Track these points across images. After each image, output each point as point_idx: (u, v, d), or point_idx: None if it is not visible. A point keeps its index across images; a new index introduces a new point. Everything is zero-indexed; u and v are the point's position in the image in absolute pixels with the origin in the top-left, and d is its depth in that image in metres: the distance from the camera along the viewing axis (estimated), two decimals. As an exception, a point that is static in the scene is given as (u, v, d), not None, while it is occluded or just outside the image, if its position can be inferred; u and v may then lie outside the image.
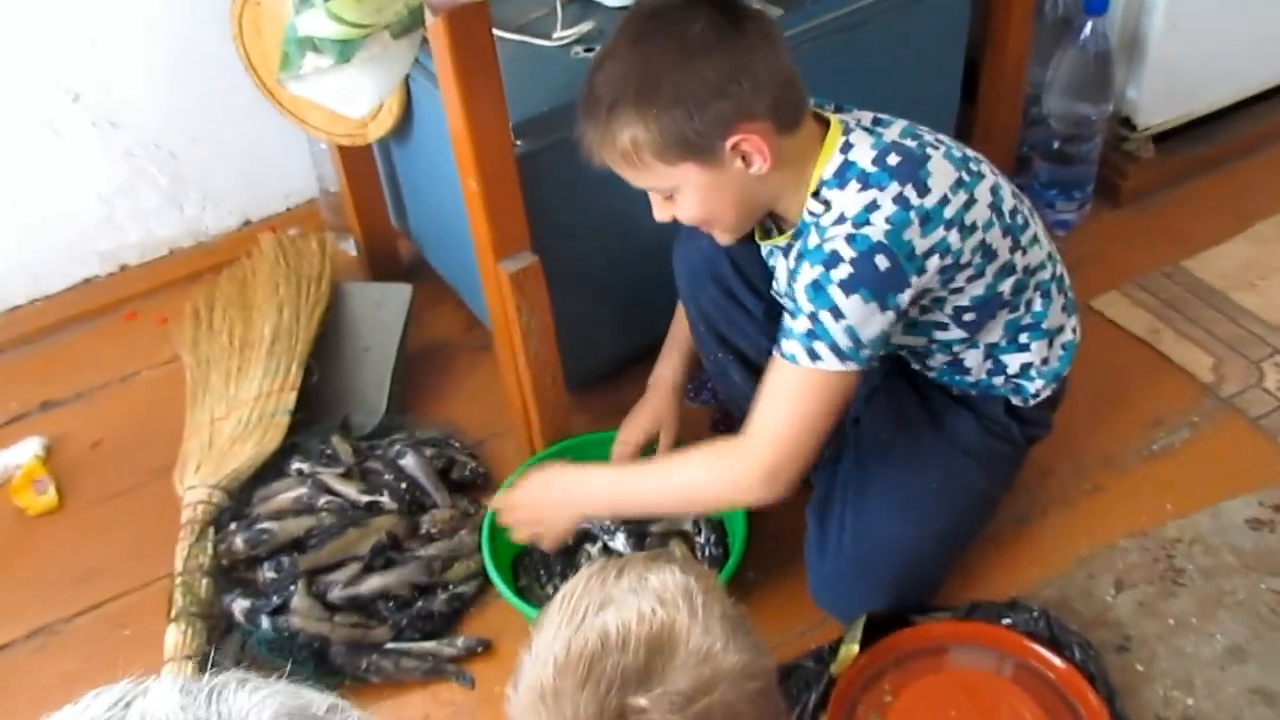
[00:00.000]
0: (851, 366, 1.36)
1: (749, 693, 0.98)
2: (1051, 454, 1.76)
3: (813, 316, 1.35)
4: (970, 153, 1.45)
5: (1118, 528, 1.69)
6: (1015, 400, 1.57)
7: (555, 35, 1.72)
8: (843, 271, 1.33)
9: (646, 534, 1.67)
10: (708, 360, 1.66)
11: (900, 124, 1.44)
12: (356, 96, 1.23)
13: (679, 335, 1.72)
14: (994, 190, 1.43)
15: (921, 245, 1.34)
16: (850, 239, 1.33)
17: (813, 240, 1.36)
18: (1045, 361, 1.54)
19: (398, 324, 1.95)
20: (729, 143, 1.32)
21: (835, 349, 1.35)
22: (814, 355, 1.36)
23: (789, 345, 1.38)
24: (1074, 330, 1.59)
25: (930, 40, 1.92)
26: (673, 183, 1.37)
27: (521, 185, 1.53)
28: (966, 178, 1.39)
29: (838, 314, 1.34)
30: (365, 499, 1.72)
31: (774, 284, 1.54)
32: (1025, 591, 1.61)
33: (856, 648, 1.47)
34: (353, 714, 0.57)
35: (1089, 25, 1.96)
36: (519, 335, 1.62)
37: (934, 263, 1.36)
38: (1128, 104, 2.15)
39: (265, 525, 1.67)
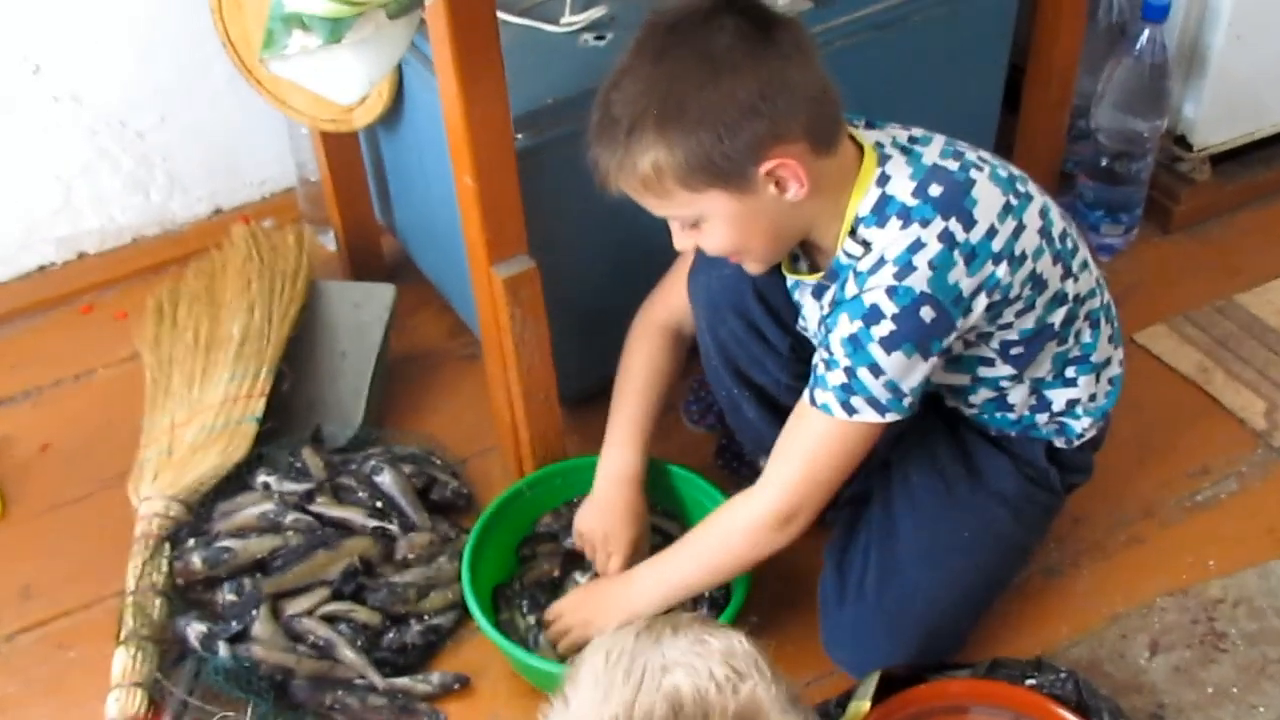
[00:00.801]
0: (891, 417, 1.38)
1: None
2: (1086, 500, 1.77)
3: (849, 371, 1.36)
4: (1015, 170, 1.46)
5: (1156, 584, 1.69)
6: (1059, 443, 1.58)
7: (563, 20, 1.74)
8: (884, 329, 1.34)
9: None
10: (719, 395, 1.66)
11: (938, 140, 1.43)
12: (346, 80, 1.23)
13: (632, 401, 1.66)
14: (1043, 212, 1.42)
15: (968, 285, 1.35)
16: (892, 292, 1.33)
17: (850, 290, 1.36)
18: (1093, 398, 1.55)
19: (378, 328, 1.95)
20: (763, 168, 1.31)
21: (874, 403, 1.37)
22: (850, 409, 1.37)
23: (822, 395, 1.39)
24: (1120, 363, 1.59)
25: (971, 42, 1.93)
26: (698, 211, 1.36)
27: (520, 183, 1.53)
28: (1014, 201, 1.39)
29: (877, 371, 1.35)
30: (335, 515, 1.72)
31: (800, 320, 1.54)
32: (1052, 650, 1.62)
33: (867, 705, 1.47)
34: None
35: (1146, 33, 1.97)
36: (511, 346, 1.63)
37: (981, 301, 1.37)
38: (1184, 121, 2.16)
39: (226, 543, 1.67)
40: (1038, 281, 1.42)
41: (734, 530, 1.49)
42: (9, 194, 2.14)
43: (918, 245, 1.33)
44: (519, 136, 1.56)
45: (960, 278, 1.34)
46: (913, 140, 1.42)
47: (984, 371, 1.51)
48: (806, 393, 1.42)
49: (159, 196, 2.26)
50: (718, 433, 1.90)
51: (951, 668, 1.55)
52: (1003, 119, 2.07)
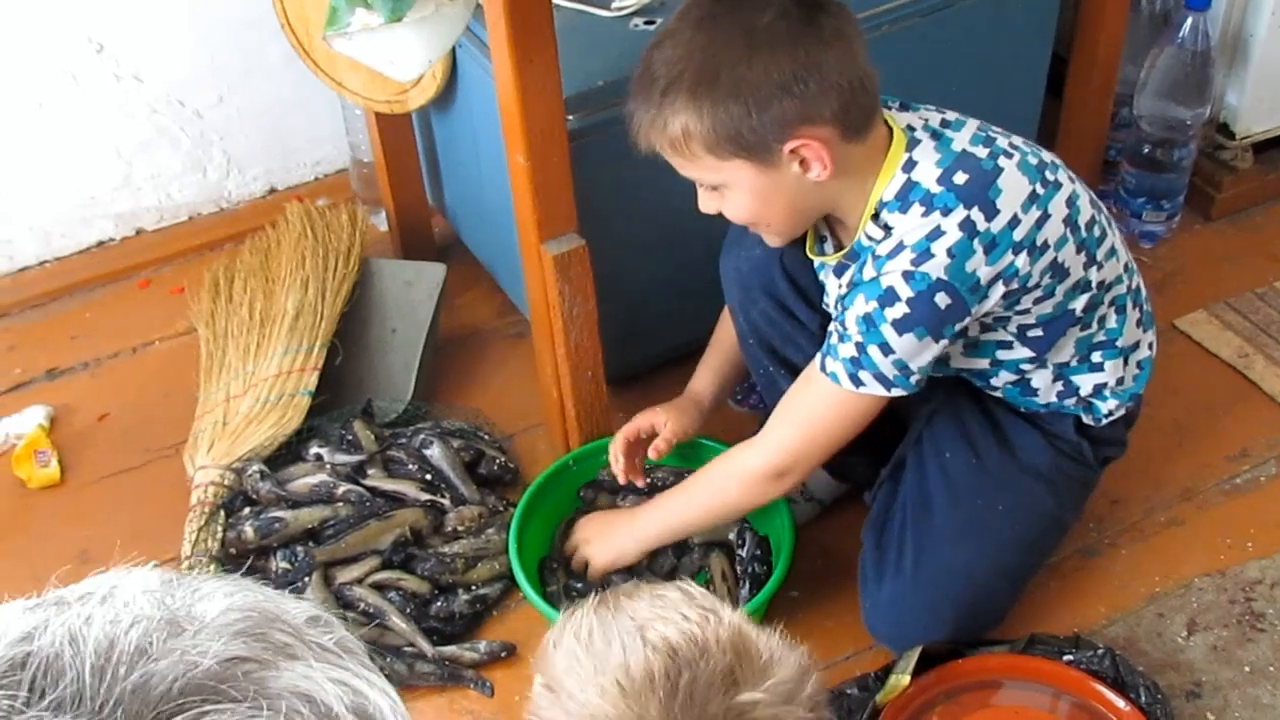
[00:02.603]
0: (897, 392, 1.40)
1: (821, 685, 1.04)
2: (1126, 482, 1.76)
3: (860, 347, 1.37)
4: (1047, 157, 1.45)
5: (1194, 565, 1.69)
6: (1086, 419, 1.58)
7: (614, 5, 1.75)
8: (898, 311, 1.34)
9: (690, 546, 1.68)
10: (756, 373, 1.68)
11: (971, 125, 1.43)
12: (405, 58, 1.25)
13: (721, 344, 1.73)
14: (1070, 201, 1.42)
15: (986, 274, 1.35)
16: (908, 276, 1.33)
17: (868, 272, 1.37)
18: (1120, 381, 1.55)
19: (429, 305, 1.97)
20: (787, 146, 1.33)
21: (881, 378, 1.38)
22: (857, 382, 1.39)
23: (832, 364, 1.40)
24: (1150, 346, 1.59)
25: (1016, 30, 1.93)
26: (722, 178, 1.38)
27: (571, 163, 1.54)
28: (1041, 190, 1.38)
29: (887, 350, 1.36)
30: (389, 488, 1.74)
31: (825, 298, 1.55)
32: (1090, 628, 1.62)
33: (907, 679, 1.48)
34: (337, 630, 0.56)
35: (1189, 21, 1.96)
36: (560, 323, 1.64)
37: (998, 289, 1.37)
38: (1227, 109, 2.15)
39: (278, 513, 1.69)
40: (1059, 270, 1.41)
41: (730, 478, 1.53)
42: (71, 171, 2.17)
43: (937, 233, 1.33)
44: (570, 117, 1.57)
45: (979, 266, 1.34)
46: (945, 124, 1.42)
47: (1003, 355, 1.51)
48: (817, 358, 1.43)
49: (216, 175, 2.28)
50: (761, 412, 1.90)
51: (990, 643, 1.56)
52: (1046, 106, 2.06)
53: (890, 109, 1.43)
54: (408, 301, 1.98)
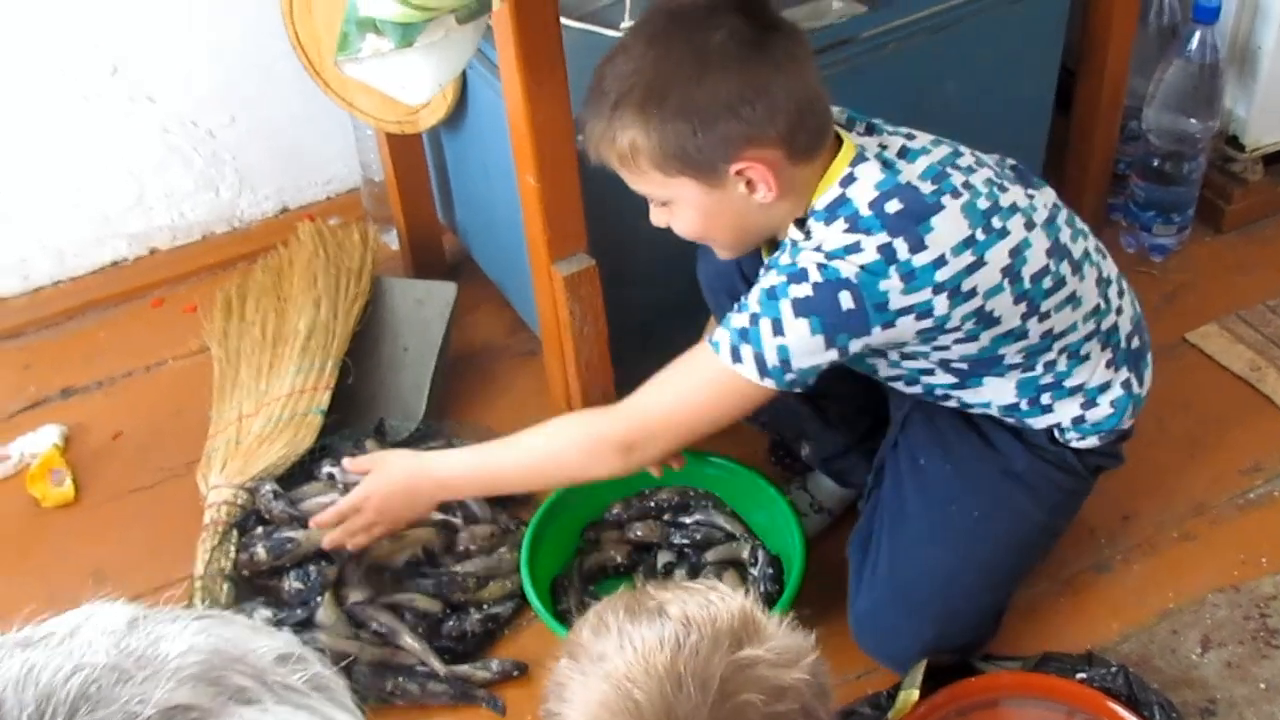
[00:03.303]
0: (768, 384, 1.36)
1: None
2: (1136, 497, 1.76)
3: (754, 319, 1.34)
4: (1006, 202, 1.37)
5: (1207, 581, 1.68)
6: (1059, 437, 1.54)
7: (622, 25, 1.74)
8: (802, 290, 1.32)
9: (703, 564, 1.68)
10: None
11: (936, 155, 1.39)
12: (415, 82, 1.25)
13: None
14: (1015, 251, 1.36)
15: (898, 302, 1.31)
16: (821, 267, 1.32)
17: (784, 259, 1.36)
18: (1079, 420, 1.51)
19: (440, 324, 1.97)
20: (733, 167, 1.32)
21: (759, 360, 1.34)
22: (736, 356, 1.36)
23: (719, 334, 1.38)
24: (1126, 384, 1.52)
25: (1024, 45, 1.93)
26: (669, 194, 1.38)
27: (581, 183, 1.55)
28: (981, 236, 1.34)
29: (778, 328, 1.33)
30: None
31: None
32: (1103, 645, 1.61)
33: (916, 693, 1.48)
34: (310, 667, 0.55)
35: (1197, 35, 1.96)
36: (570, 342, 1.64)
37: (908, 322, 1.33)
38: (1236, 122, 2.14)
39: (289, 534, 1.69)
40: (986, 318, 1.37)
41: (572, 442, 1.48)
42: (85, 191, 2.18)
43: (855, 248, 1.31)
44: (580, 137, 1.57)
45: (891, 289, 1.31)
46: (903, 153, 1.39)
47: (925, 379, 1.49)
48: (707, 334, 1.42)
49: (228, 194, 2.29)
50: (770, 432, 1.90)
51: (1001, 659, 1.55)
52: (1055, 120, 2.06)
53: (854, 129, 1.41)
54: (419, 320, 1.98)
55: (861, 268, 1.30)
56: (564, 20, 1.47)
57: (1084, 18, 2.01)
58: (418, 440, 1.88)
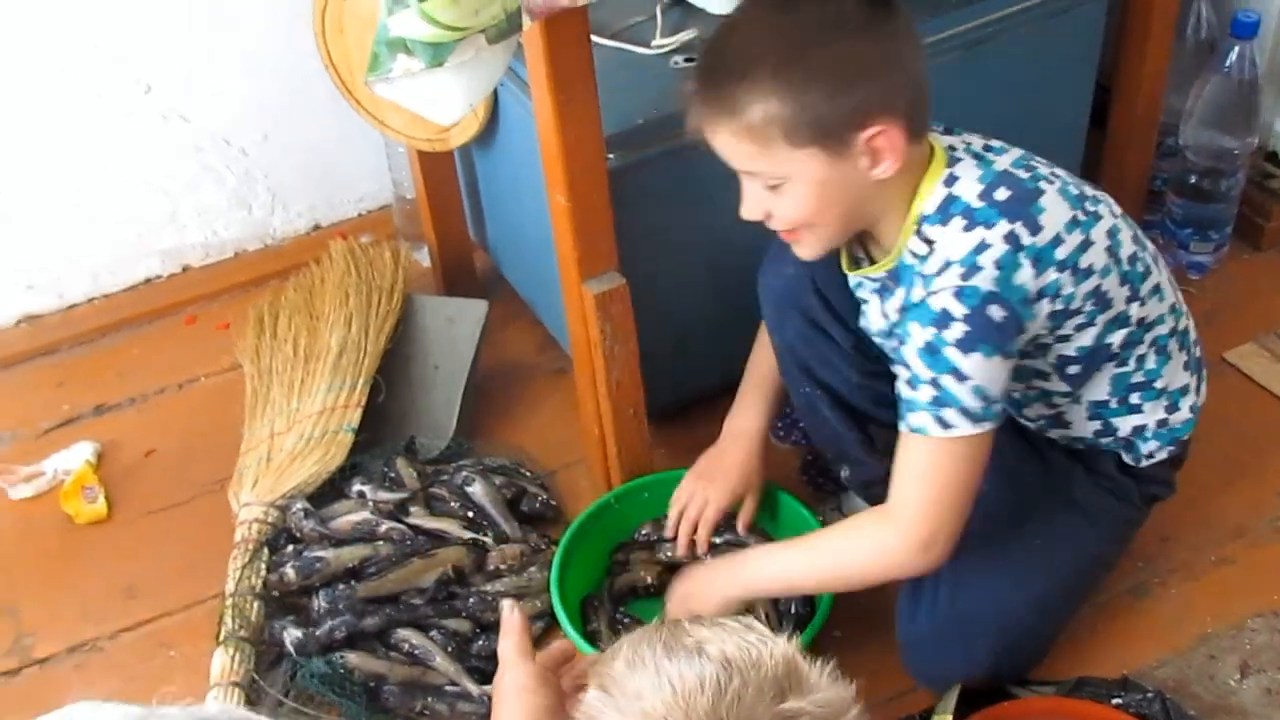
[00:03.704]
0: (986, 427, 1.37)
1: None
2: (1174, 520, 1.73)
3: (934, 383, 1.35)
4: (1089, 190, 1.44)
5: (1246, 605, 1.66)
6: (1127, 458, 1.56)
7: (654, 43, 1.74)
8: (957, 331, 1.32)
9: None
10: (796, 395, 1.66)
11: (1014, 152, 1.43)
12: (446, 102, 1.25)
13: (760, 374, 1.70)
14: (1111, 233, 1.41)
15: (1034, 287, 1.34)
16: (959, 294, 1.32)
17: (917, 293, 1.36)
18: (1162, 424, 1.52)
19: (471, 342, 1.97)
20: (865, 134, 1.30)
21: (966, 412, 1.35)
22: (945, 424, 1.36)
23: (916, 418, 1.37)
24: (1197, 391, 1.56)
25: (1060, 61, 1.91)
26: (788, 170, 1.33)
27: (612, 201, 1.54)
28: (1082, 217, 1.38)
29: (960, 376, 1.33)
30: (432, 527, 1.74)
31: (862, 318, 1.53)
32: (1139, 670, 1.59)
33: (949, 718, 1.46)
34: None
35: (1235, 50, 1.94)
36: (601, 361, 1.64)
37: (1044, 306, 1.36)
38: (1275, 137, 2.13)
39: (318, 553, 1.69)
40: (1101, 298, 1.40)
41: (872, 554, 1.46)
42: (119, 208, 2.20)
43: (982, 246, 1.32)
44: (611, 156, 1.56)
45: (1026, 280, 1.33)
46: (987, 148, 1.42)
47: (1038, 383, 1.49)
48: (901, 423, 1.40)
49: (261, 212, 2.30)
50: (803, 448, 1.89)
51: (1037, 684, 1.54)
52: (1090, 136, 2.04)
53: (934, 131, 1.43)
54: (450, 338, 1.98)
55: (996, 266, 1.31)
56: (595, 38, 1.47)
57: (1120, 33, 1.99)
58: (447, 458, 1.88)
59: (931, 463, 1.39)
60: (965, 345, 1.32)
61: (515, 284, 2.12)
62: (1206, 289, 2.09)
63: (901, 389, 1.39)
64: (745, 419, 1.70)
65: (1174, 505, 1.67)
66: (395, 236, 2.25)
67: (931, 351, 1.34)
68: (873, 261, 1.47)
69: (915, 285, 1.37)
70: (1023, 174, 1.38)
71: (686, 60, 1.72)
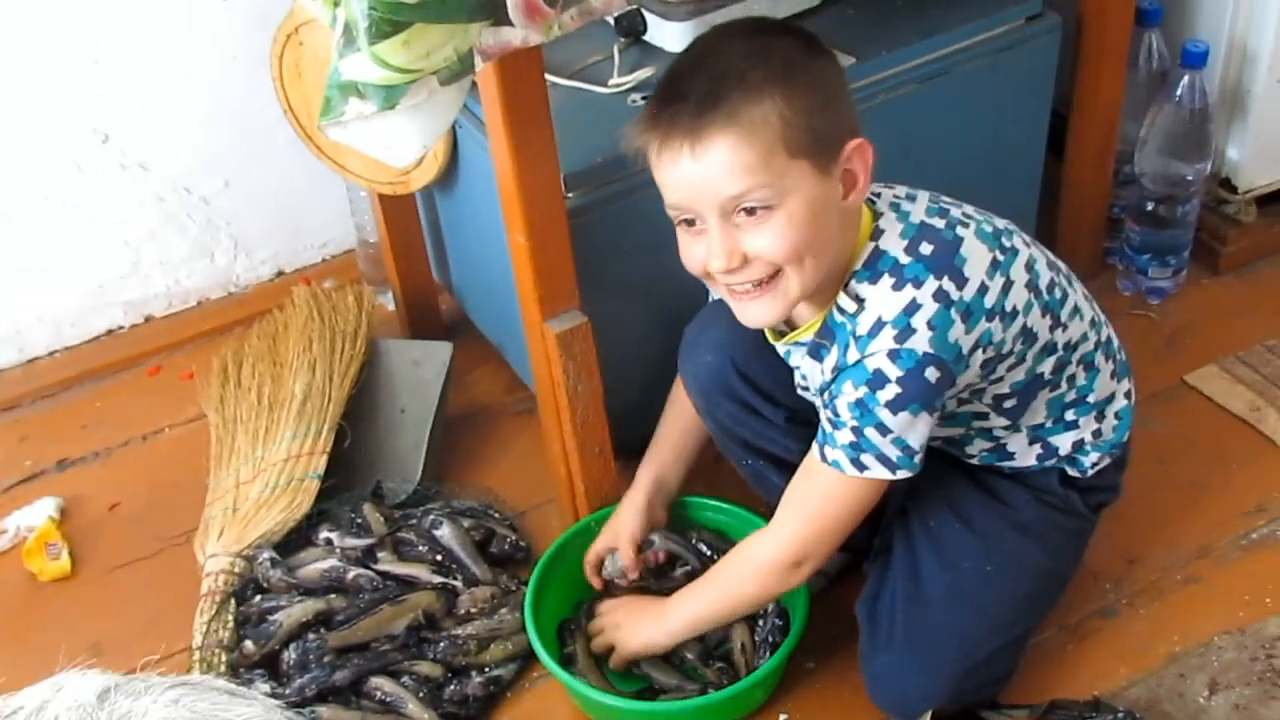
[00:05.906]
0: (902, 474, 1.40)
1: None
2: (1141, 541, 1.76)
3: (857, 430, 1.37)
4: (1000, 224, 1.44)
5: (1213, 624, 1.68)
6: (1072, 472, 1.58)
7: (611, 82, 1.77)
8: (890, 392, 1.34)
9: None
10: (740, 467, 1.67)
11: (923, 196, 1.43)
12: (401, 145, 1.27)
13: (679, 418, 1.72)
14: (1029, 265, 1.42)
15: (967, 342, 1.35)
16: (895, 356, 1.33)
17: (851, 355, 1.36)
18: (1098, 434, 1.55)
19: (436, 384, 1.98)
20: (848, 148, 1.32)
21: (884, 459, 1.38)
22: (860, 466, 1.39)
23: (832, 453, 1.40)
24: (1128, 395, 1.59)
25: (1014, 93, 1.95)
26: (781, 186, 1.29)
27: (572, 240, 1.56)
28: (1001, 257, 1.38)
29: (884, 430, 1.36)
30: (401, 572, 1.74)
31: (800, 380, 1.53)
32: (1110, 691, 1.61)
33: (924, 747, 1.47)
34: None
35: (1185, 79, 1.98)
36: (565, 400, 1.65)
37: (978, 357, 1.38)
38: (1228, 164, 2.16)
39: (272, 616, 1.68)
40: (1028, 335, 1.42)
41: (747, 570, 1.53)
42: (80, 260, 2.21)
43: (914, 306, 1.33)
44: (569, 195, 1.59)
45: (959, 335, 1.34)
46: (898, 197, 1.43)
47: (978, 424, 1.51)
48: (815, 448, 1.43)
49: (223, 260, 2.31)
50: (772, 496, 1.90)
51: (1009, 708, 1.55)
52: (1047, 166, 2.08)
53: None
54: (416, 381, 1.99)
55: (929, 326, 1.32)
56: (552, 78, 1.49)
57: (1074, 64, 2.03)
58: (415, 502, 1.89)
59: (831, 496, 1.43)
60: (896, 405, 1.35)
61: (481, 325, 2.14)
62: (1167, 313, 2.13)
63: (824, 423, 1.42)
64: (660, 470, 1.73)
65: (1139, 527, 1.69)
66: (359, 281, 2.26)
67: (861, 407, 1.36)
68: (794, 328, 1.47)
69: (850, 346, 1.37)
70: (939, 223, 1.38)
71: (644, 98, 1.75)
